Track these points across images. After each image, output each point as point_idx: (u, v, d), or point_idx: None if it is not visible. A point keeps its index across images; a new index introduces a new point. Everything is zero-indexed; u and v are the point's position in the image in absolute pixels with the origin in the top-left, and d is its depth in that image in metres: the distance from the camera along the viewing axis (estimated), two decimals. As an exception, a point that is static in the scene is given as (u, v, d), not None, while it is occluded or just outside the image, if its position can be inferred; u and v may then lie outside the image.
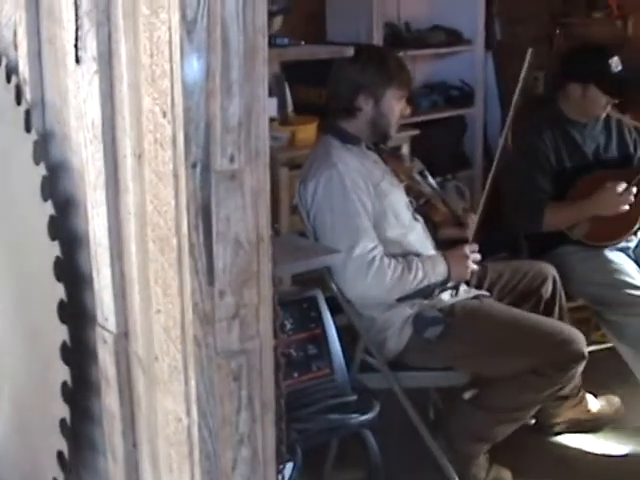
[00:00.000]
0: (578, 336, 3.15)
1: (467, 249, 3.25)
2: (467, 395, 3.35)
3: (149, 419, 2.00)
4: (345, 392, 2.71)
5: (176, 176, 1.70)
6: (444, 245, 3.39)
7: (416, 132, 4.88)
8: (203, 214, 1.72)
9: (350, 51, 3.33)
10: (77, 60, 1.94)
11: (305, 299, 2.73)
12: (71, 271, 2.10)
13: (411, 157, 3.77)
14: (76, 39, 1.92)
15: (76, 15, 1.90)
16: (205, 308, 1.76)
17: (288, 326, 2.67)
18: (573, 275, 3.85)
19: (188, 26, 1.62)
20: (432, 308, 3.16)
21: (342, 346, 2.75)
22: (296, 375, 2.67)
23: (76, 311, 2.09)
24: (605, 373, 4.01)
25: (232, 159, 1.70)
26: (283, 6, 4.65)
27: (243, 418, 1.85)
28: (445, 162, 5.59)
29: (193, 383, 1.80)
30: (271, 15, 4.54)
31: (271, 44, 3.07)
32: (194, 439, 1.83)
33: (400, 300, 3.14)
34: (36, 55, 2.14)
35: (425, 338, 3.09)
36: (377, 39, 4.91)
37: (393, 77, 3.23)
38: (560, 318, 3.52)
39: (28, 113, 2.10)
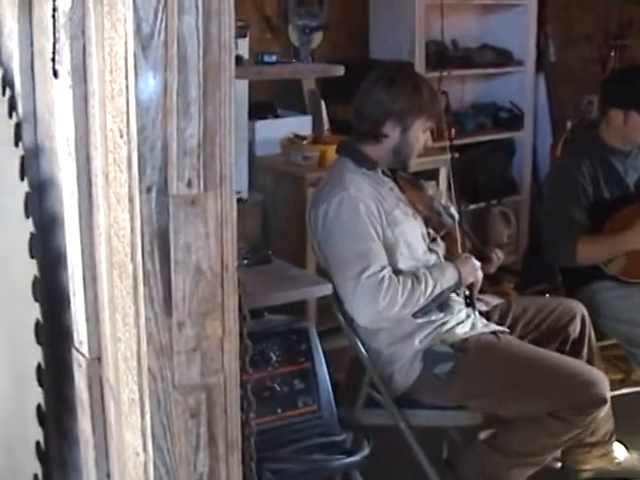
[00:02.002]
0: (600, 378, 2.98)
1: (473, 258, 3.14)
2: (483, 435, 3.18)
3: (119, 450, 1.92)
4: (332, 430, 2.58)
5: (131, 199, 1.61)
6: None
7: (455, 155, 4.71)
8: (159, 241, 1.62)
9: (339, 70, 3.21)
10: (55, 74, 1.87)
11: (295, 330, 2.62)
12: (53, 291, 2.03)
13: (443, 185, 3.62)
14: (53, 52, 1.85)
15: (54, 27, 1.83)
16: (161, 339, 1.67)
17: (274, 358, 2.56)
18: (606, 312, 3.67)
19: (143, 41, 1.53)
20: (443, 343, 3.01)
21: (331, 382, 2.63)
22: (279, 411, 2.55)
23: (58, 331, 2.02)
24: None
25: (190, 184, 1.60)
26: (323, 22, 4.58)
27: (202, 457, 1.75)
28: (490, 186, 5.46)
29: (148, 418, 1.71)
30: (311, 31, 4.48)
31: (258, 61, 2.97)
32: (150, 476, 1.74)
33: (414, 315, 3.00)
34: (28, 67, 2.08)
35: (434, 374, 2.96)
36: (419, 57, 4.80)
37: (425, 108, 3.10)
38: (589, 360, 3.33)
39: (18, 127, 2.04)
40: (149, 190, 1.59)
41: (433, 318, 3.05)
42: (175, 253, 1.63)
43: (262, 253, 3.00)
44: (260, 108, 4.33)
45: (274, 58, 2.96)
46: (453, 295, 3.13)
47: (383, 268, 2.90)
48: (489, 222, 5.52)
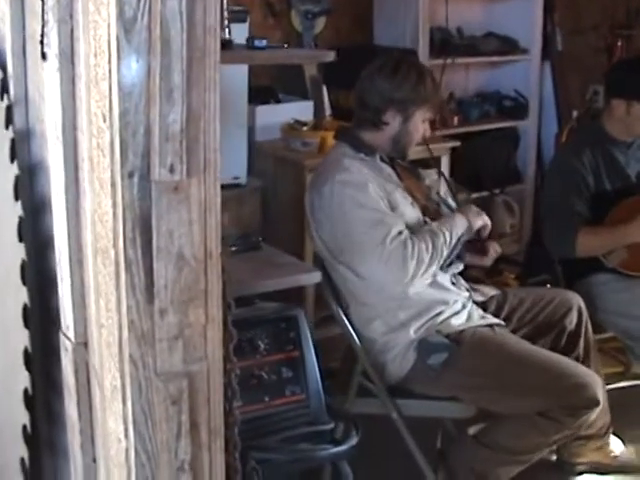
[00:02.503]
0: (594, 380, 2.94)
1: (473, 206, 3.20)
2: (473, 429, 3.16)
3: (104, 436, 1.91)
4: (320, 420, 2.56)
5: (113, 185, 1.59)
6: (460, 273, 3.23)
7: (457, 144, 4.69)
8: (142, 227, 1.61)
9: (330, 55, 3.18)
10: (43, 56, 1.86)
11: (284, 318, 2.60)
12: (42, 275, 2.03)
13: (439, 175, 3.59)
14: (42, 35, 1.84)
15: (42, 10, 1.82)
16: (143, 327, 1.66)
17: (262, 346, 2.54)
18: (604, 306, 3.62)
19: (126, 24, 1.52)
20: (438, 334, 2.98)
21: (323, 370, 2.61)
22: (267, 399, 2.53)
23: (47, 315, 2.01)
24: (639, 411, 3.79)
25: (172, 169, 1.58)
26: (326, 7, 4.56)
27: (184, 444, 1.74)
28: (494, 175, 5.42)
29: (130, 404, 1.70)
30: (314, 16, 4.46)
31: (249, 46, 2.94)
32: (131, 463, 1.73)
33: (443, 269, 3.05)
34: (21, 50, 2.06)
35: (428, 365, 2.93)
36: (423, 44, 4.75)
37: (427, 98, 3.08)
38: (585, 352, 3.31)
39: (9, 109, 2.03)
40: (131, 175, 1.57)
41: (433, 313, 3.03)
42: (157, 240, 1.62)
43: (252, 240, 2.97)
44: (261, 93, 4.30)
45: (264, 43, 2.92)
46: (451, 286, 3.11)
47: (401, 232, 2.90)
48: (492, 211, 5.49)
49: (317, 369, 2.63)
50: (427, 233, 2.96)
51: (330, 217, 2.97)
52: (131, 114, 1.55)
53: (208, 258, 1.69)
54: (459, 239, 3.04)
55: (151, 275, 1.63)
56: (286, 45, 3.39)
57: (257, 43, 2.93)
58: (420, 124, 3.09)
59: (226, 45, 2.87)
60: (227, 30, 2.89)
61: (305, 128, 4.14)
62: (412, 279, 2.91)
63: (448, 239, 2.98)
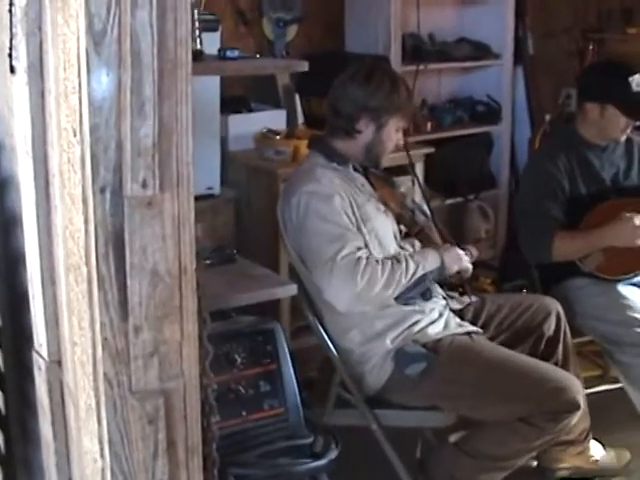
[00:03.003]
0: (573, 384, 2.92)
1: (457, 248, 3.10)
2: (454, 437, 3.13)
3: (79, 455, 1.87)
4: (299, 433, 2.52)
5: (85, 201, 1.56)
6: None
7: (431, 150, 4.68)
8: (114, 243, 1.58)
9: (303, 65, 3.15)
10: (12, 70, 1.83)
11: (261, 331, 2.57)
12: (13, 291, 1.99)
13: (414, 182, 3.56)
14: (10, 48, 1.81)
15: (11, 23, 1.79)
16: (117, 344, 1.63)
17: (238, 360, 2.50)
18: (582, 310, 3.60)
19: (96, 37, 1.49)
20: (416, 343, 2.95)
21: (298, 383, 2.58)
22: (244, 413, 2.50)
23: (20, 333, 1.98)
24: (618, 414, 3.75)
25: (145, 184, 1.55)
26: (298, 15, 4.54)
27: (161, 463, 1.70)
28: (468, 181, 5.41)
29: (105, 424, 1.67)
30: (286, 23, 4.43)
31: (220, 57, 2.91)
32: (108, 483, 1.70)
33: (398, 301, 2.95)
34: (-11, 63, 2.02)
35: (406, 375, 2.90)
36: (395, 51, 4.73)
37: (401, 107, 3.05)
38: (564, 358, 3.29)
39: (-22, 123, 1.99)
40: (103, 191, 1.54)
41: (417, 308, 3.00)
42: (131, 256, 1.59)
43: (226, 252, 2.94)
44: (233, 102, 4.26)
45: (236, 53, 2.89)
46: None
47: (359, 249, 2.85)
48: (467, 217, 5.48)
49: (295, 382, 2.60)
50: (389, 259, 2.92)
51: (297, 228, 2.94)
52: (102, 128, 1.52)
53: (183, 274, 1.66)
54: (425, 275, 2.97)
55: (125, 292, 1.60)
56: (258, 55, 3.35)
57: (229, 53, 2.90)
58: (393, 133, 3.06)
59: (197, 56, 2.84)
60: (198, 40, 2.86)
61: (278, 137, 4.12)
62: (361, 299, 2.86)
63: (411, 270, 2.92)
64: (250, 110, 4.38)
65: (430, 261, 2.99)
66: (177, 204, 1.62)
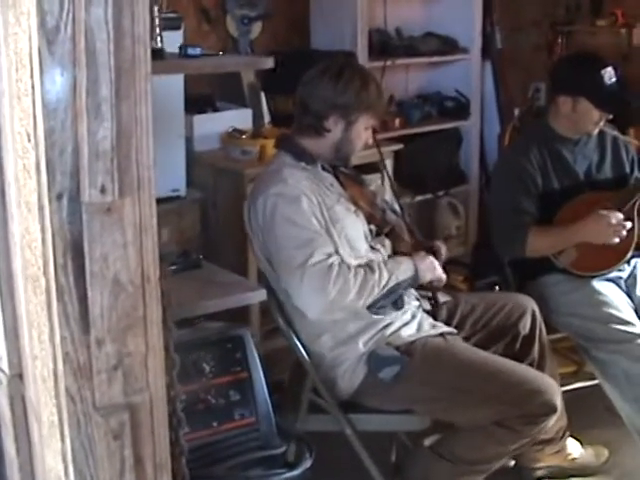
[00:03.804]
0: (551, 386, 2.86)
1: (431, 257, 3.01)
2: (429, 440, 3.07)
3: (44, 473, 1.80)
4: (271, 443, 2.44)
5: (41, 208, 1.48)
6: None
7: (399, 147, 4.61)
8: (73, 252, 1.51)
9: (268, 62, 3.08)
10: (-37, 71, 1.74)
11: (229, 338, 2.48)
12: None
13: (383, 180, 3.48)
14: (-40, 48, 1.72)
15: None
16: (79, 358, 1.56)
17: (207, 369, 2.42)
18: (557, 307, 3.53)
19: (48, 35, 1.41)
20: (389, 346, 2.87)
21: (270, 391, 2.50)
22: (215, 424, 2.42)
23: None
24: (595, 411, 3.73)
25: (103, 190, 1.48)
26: (263, 12, 4.46)
27: (128, 481, 1.63)
28: (438, 177, 5.36)
29: (69, 441, 1.59)
30: (250, 21, 4.36)
31: (182, 55, 2.83)
32: (73, 503, 1.62)
33: (369, 309, 2.85)
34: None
35: (380, 378, 2.83)
36: (362, 46, 4.66)
37: (371, 105, 2.96)
38: (540, 356, 3.23)
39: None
40: (59, 198, 1.47)
41: (387, 319, 2.92)
42: (91, 265, 1.52)
43: (192, 258, 2.85)
44: (199, 102, 4.17)
45: (198, 51, 2.81)
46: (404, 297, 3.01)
47: (330, 255, 2.76)
48: (437, 214, 5.43)
49: (266, 390, 2.52)
50: (362, 267, 2.83)
51: (264, 231, 2.85)
52: (57, 132, 1.44)
53: (146, 282, 1.59)
54: (399, 284, 2.89)
55: (85, 303, 1.54)
56: (221, 52, 3.26)
57: (190, 51, 2.82)
58: (363, 131, 2.98)
59: (158, 54, 2.76)
60: (159, 38, 2.78)
61: (244, 136, 4.03)
62: (332, 308, 2.77)
63: (384, 280, 2.83)
64: (216, 109, 4.30)
65: (403, 270, 2.91)
66: (138, 210, 1.55)
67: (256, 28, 4.51)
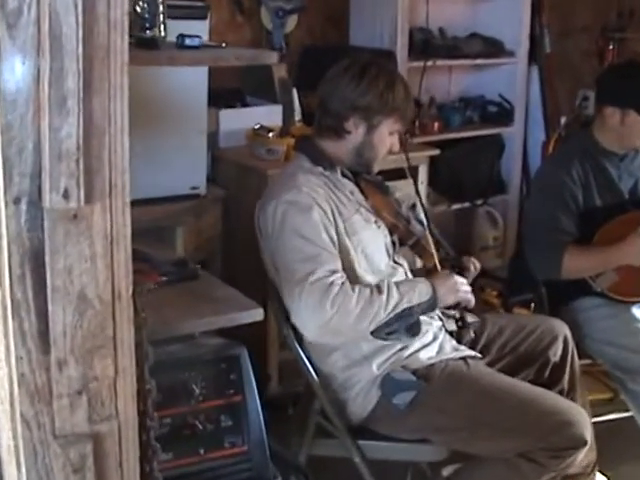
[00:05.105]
0: (581, 417, 2.63)
1: (455, 276, 2.79)
2: (447, 471, 2.87)
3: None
4: (264, 474, 2.24)
5: (-3, 213, 1.32)
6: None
7: (436, 152, 4.41)
8: (32, 263, 1.35)
9: (273, 57, 2.88)
10: None
11: (225, 358, 2.29)
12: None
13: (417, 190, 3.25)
14: None
15: None
16: (36, 381, 1.40)
17: (197, 391, 2.22)
18: (591, 332, 3.32)
19: (9, 18, 1.26)
20: (405, 369, 2.67)
21: (265, 418, 2.31)
22: (202, 452, 2.22)
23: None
24: (627, 446, 3.50)
25: (66, 194, 1.31)
26: (299, 4, 4.29)
27: (90, 519, 1.47)
28: (477, 185, 5.16)
29: (24, 471, 1.43)
30: (285, 13, 4.18)
31: (178, 45, 2.64)
32: (27, 542, 1.46)
33: (376, 334, 2.61)
34: None
35: (394, 404, 2.63)
36: (402, 45, 4.47)
37: (396, 108, 2.76)
38: (570, 386, 3.00)
39: None
40: (17, 202, 1.32)
41: (399, 345, 2.71)
42: (52, 278, 1.37)
43: (189, 267, 2.66)
44: (226, 96, 4.00)
45: (197, 41, 2.62)
46: (425, 317, 2.79)
47: (333, 272, 2.55)
48: (474, 223, 5.23)
49: (260, 416, 2.32)
50: (370, 286, 2.62)
51: (273, 238, 2.66)
52: (16, 127, 1.29)
53: (116, 299, 1.44)
54: (411, 308, 2.64)
55: (45, 320, 1.38)
56: (224, 44, 3.03)
57: (188, 42, 2.62)
58: (387, 136, 2.78)
59: (150, 44, 2.55)
60: (162, 27, 2.58)
61: (271, 134, 3.85)
62: (330, 330, 2.54)
63: (393, 303, 2.60)
64: (245, 104, 4.12)
65: (419, 293, 2.67)
66: (109, 218, 1.39)
67: (291, 22, 4.32)
